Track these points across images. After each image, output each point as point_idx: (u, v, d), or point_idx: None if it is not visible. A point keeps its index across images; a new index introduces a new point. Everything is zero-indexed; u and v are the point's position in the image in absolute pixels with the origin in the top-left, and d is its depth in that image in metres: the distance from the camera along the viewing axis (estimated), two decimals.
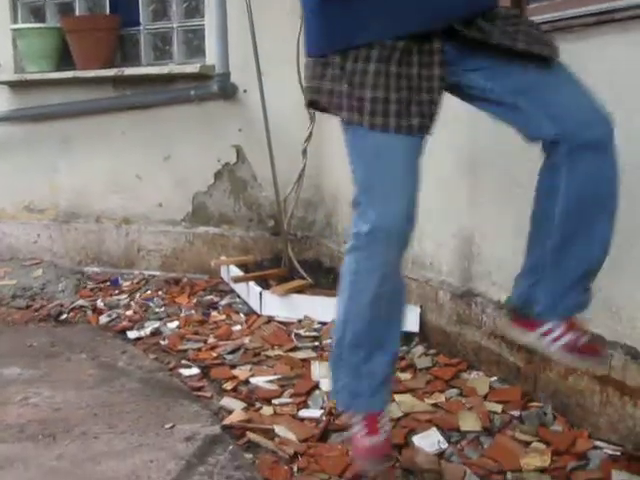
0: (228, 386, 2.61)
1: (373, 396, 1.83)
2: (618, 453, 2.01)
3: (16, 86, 4.50)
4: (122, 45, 4.43)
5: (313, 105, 1.73)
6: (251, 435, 2.21)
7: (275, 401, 2.46)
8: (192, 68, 4.01)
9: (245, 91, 3.97)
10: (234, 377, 2.68)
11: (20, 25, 4.47)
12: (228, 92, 3.97)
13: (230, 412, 2.38)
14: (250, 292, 3.52)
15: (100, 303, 3.71)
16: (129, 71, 4.17)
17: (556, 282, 1.74)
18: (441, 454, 2.07)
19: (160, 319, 3.43)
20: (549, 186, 1.70)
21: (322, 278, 3.63)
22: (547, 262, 1.73)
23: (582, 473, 1.94)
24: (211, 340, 3.10)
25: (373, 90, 1.59)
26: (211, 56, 3.98)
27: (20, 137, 4.53)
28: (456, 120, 2.59)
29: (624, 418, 2.03)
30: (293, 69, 3.39)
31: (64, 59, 4.37)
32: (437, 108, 1.64)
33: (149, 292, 3.89)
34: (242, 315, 3.41)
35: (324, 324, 3.16)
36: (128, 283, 4.09)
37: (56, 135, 4.43)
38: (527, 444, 2.09)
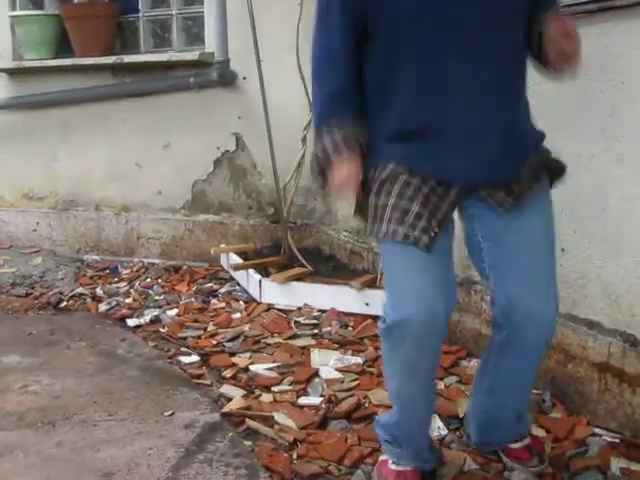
0: (228, 374, 2.61)
1: (403, 458, 1.88)
2: (617, 440, 2.02)
3: (14, 74, 4.48)
4: (121, 32, 4.41)
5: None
6: (250, 422, 2.21)
7: (274, 388, 2.46)
8: (191, 55, 3.99)
9: (245, 78, 3.96)
10: (234, 365, 2.69)
11: (18, 12, 4.44)
12: (227, 79, 3.95)
13: (229, 399, 2.39)
14: (250, 280, 3.51)
15: (99, 291, 3.71)
16: (128, 58, 4.15)
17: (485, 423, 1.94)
18: (441, 440, 2.08)
19: (160, 307, 3.43)
20: (485, 357, 1.90)
21: (322, 266, 3.63)
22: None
23: (581, 460, 1.94)
24: (211, 328, 3.10)
25: (375, 200, 1.68)
26: (210, 43, 3.96)
27: (19, 125, 4.52)
28: None
29: (623, 405, 2.03)
30: (293, 56, 3.37)
31: (63, 46, 4.34)
32: (434, 226, 1.65)
33: (149, 280, 3.89)
34: (242, 303, 3.41)
35: (323, 312, 3.16)
36: (128, 271, 4.09)
37: (55, 123, 4.41)
38: None
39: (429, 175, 1.65)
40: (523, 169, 1.68)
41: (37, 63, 4.32)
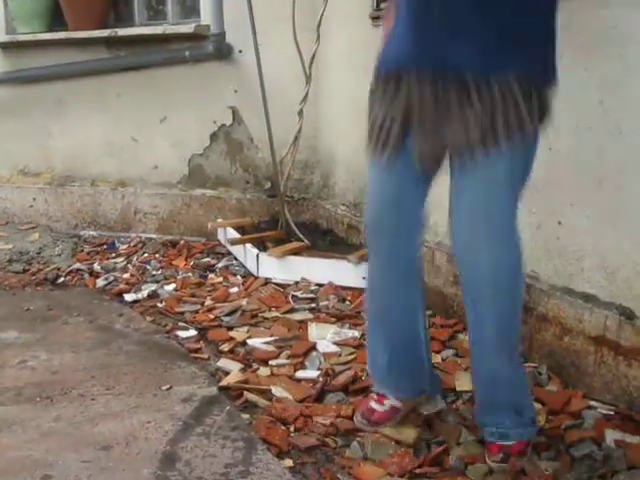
0: (225, 348, 2.62)
1: (378, 380, 2.05)
2: (612, 412, 2.03)
3: (7, 47, 4.44)
4: (115, 4, 4.37)
5: None
6: (248, 396, 2.22)
7: (272, 362, 2.47)
8: (187, 28, 3.96)
9: (240, 51, 3.93)
10: (231, 339, 2.69)
11: None
12: (223, 52, 3.92)
13: (227, 373, 2.40)
14: (247, 254, 3.51)
15: (97, 266, 3.71)
16: (123, 32, 4.12)
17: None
18: (438, 413, 2.09)
19: (157, 282, 3.43)
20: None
21: (319, 240, 3.63)
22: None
23: (576, 432, 1.95)
24: (208, 302, 3.10)
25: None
26: (206, 16, 3.93)
27: (13, 100, 4.48)
28: None
29: (618, 378, 2.04)
30: (289, 29, 3.33)
31: (56, 19, 4.30)
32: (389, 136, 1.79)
33: (146, 255, 3.88)
34: (239, 277, 3.41)
35: (321, 286, 3.17)
36: (125, 246, 4.08)
37: (49, 97, 4.38)
38: None
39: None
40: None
41: (30, 37, 4.28)
